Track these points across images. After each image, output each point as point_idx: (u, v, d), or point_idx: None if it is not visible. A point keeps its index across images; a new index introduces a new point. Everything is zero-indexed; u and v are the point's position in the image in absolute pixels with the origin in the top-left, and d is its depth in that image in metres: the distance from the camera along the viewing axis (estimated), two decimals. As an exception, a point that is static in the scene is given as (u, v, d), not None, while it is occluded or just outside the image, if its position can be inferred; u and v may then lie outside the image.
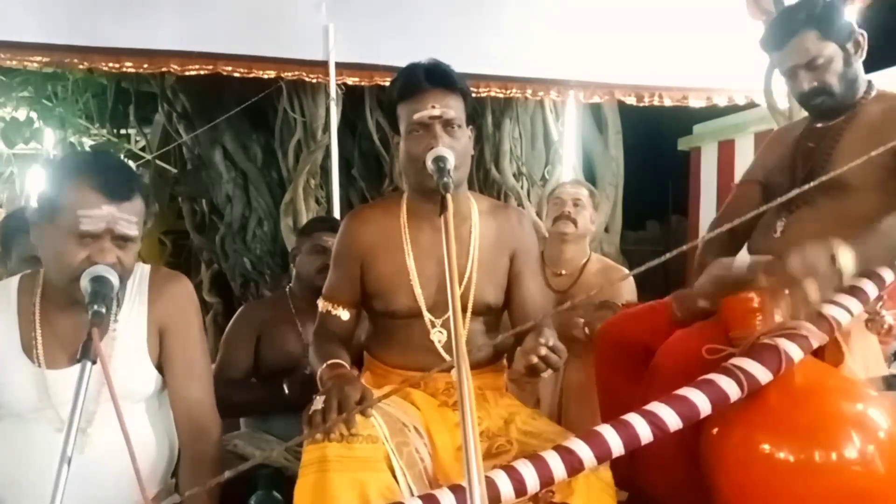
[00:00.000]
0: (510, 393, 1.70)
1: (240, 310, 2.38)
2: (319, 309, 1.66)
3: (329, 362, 1.48)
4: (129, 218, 1.34)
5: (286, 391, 2.06)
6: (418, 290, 1.57)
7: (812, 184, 1.48)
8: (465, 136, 1.57)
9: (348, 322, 1.64)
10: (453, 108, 1.53)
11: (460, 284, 1.56)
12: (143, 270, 1.50)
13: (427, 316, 1.57)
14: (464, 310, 1.58)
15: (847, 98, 1.73)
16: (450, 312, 1.16)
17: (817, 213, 1.67)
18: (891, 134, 1.56)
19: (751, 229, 1.80)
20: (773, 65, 1.79)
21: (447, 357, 1.54)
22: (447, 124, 1.52)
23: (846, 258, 1.38)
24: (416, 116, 1.51)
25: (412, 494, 1.29)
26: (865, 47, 1.73)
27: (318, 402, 1.33)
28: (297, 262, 2.36)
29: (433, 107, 1.51)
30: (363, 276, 1.62)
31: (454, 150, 1.49)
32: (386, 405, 1.43)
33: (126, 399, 1.35)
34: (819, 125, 1.78)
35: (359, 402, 1.33)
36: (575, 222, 2.54)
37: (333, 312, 1.63)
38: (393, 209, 1.64)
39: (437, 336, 1.57)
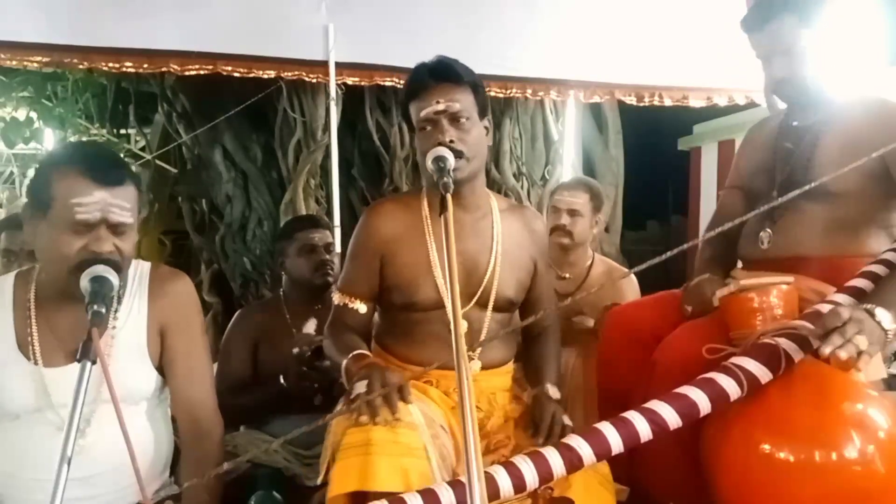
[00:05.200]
0: (518, 395, 1.70)
1: (235, 316, 2.37)
2: (335, 302, 1.66)
3: (354, 353, 1.50)
4: (122, 204, 1.33)
5: (283, 383, 2.06)
6: (440, 282, 1.57)
7: (793, 194, 1.46)
8: (476, 127, 1.58)
9: (365, 316, 1.64)
10: (459, 101, 1.55)
11: (482, 279, 1.61)
12: (143, 268, 1.49)
13: (448, 307, 1.57)
14: (485, 304, 1.62)
15: (821, 91, 1.70)
16: (450, 309, 1.16)
17: (802, 221, 1.66)
18: (874, 139, 1.55)
19: (740, 233, 1.81)
20: (751, 46, 1.75)
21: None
22: (453, 118, 1.54)
23: (882, 314, 1.34)
24: (423, 113, 1.55)
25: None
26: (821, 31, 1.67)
27: (361, 386, 1.35)
28: (286, 266, 2.34)
29: (438, 102, 1.54)
30: (383, 268, 1.62)
31: (464, 143, 1.53)
32: (415, 399, 1.44)
33: (125, 400, 1.34)
34: (796, 123, 1.76)
35: (399, 389, 1.35)
36: (571, 234, 2.51)
37: (351, 306, 1.63)
38: (413, 203, 1.66)
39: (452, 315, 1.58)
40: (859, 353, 1.27)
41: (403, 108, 1.65)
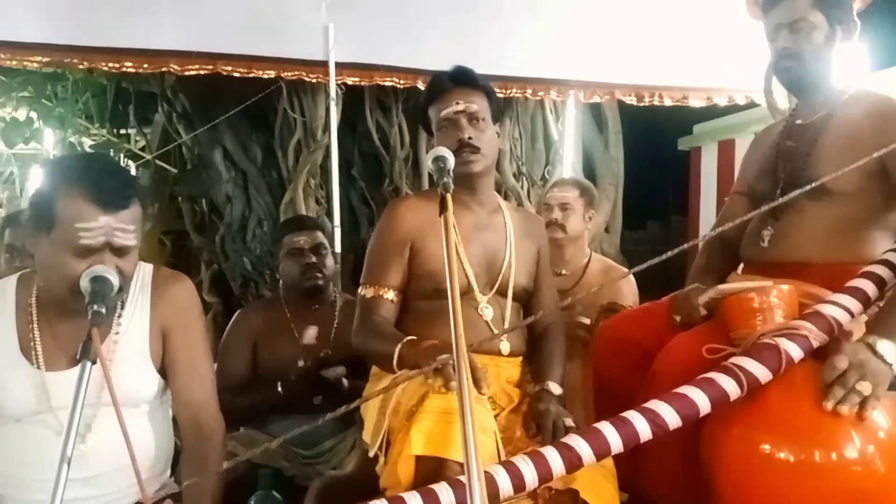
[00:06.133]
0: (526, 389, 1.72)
1: (235, 317, 2.38)
2: (365, 296, 1.69)
3: (408, 339, 1.54)
4: (126, 227, 1.32)
5: (280, 391, 2.07)
6: (468, 268, 1.67)
7: (794, 194, 1.48)
8: (490, 129, 1.73)
9: (395, 306, 1.69)
10: (476, 103, 1.69)
11: (500, 269, 1.72)
12: (145, 271, 1.48)
13: (477, 293, 1.68)
14: (504, 293, 1.72)
15: (821, 80, 1.71)
16: (449, 302, 1.17)
17: (802, 220, 1.66)
18: (873, 135, 1.55)
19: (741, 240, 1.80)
20: (764, 28, 1.77)
21: (496, 332, 1.66)
22: (472, 117, 1.68)
23: (885, 347, 1.33)
24: (444, 113, 1.69)
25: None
26: (855, 37, 1.70)
27: (446, 357, 1.38)
28: (280, 270, 2.36)
29: (457, 103, 1.68)
30: (411, 257, 1.69)
31: (480, 140, 1.66)
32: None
33: (127, 404, 1.34)
34: (800, 122, 1.76)
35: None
36: (563, 227, 2.56)
37: (385, 296, 1.68)
38: (433, 198, 1.72)
39: (484, 311, 1.68)
40: (865, 400, 1.28)
41: (423, 113, 1.78)
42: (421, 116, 1.81)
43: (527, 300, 1.80)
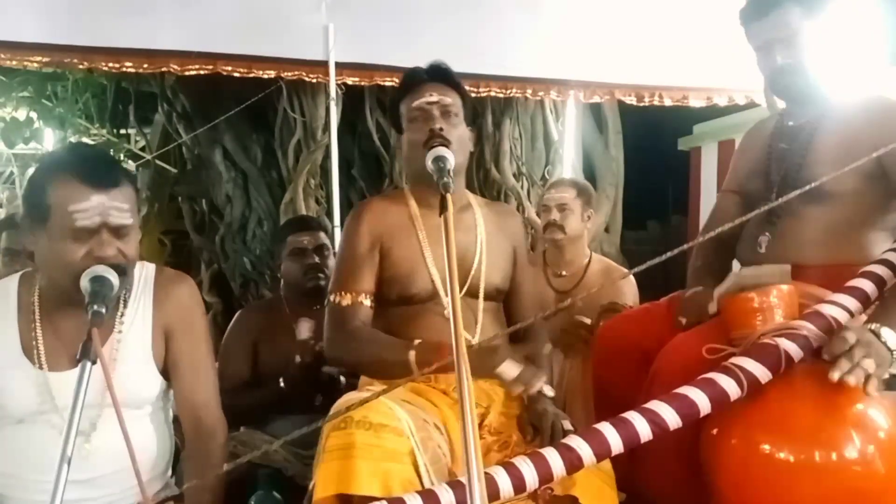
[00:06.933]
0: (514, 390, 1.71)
1: (236, 317, 2.38)
2: (341, 303, 1.61)
3: (418, 343, 1.49)
4: (120, 206, 1.31)
5: (282, 386, 2.07)
6: (434, 272, 1.61)
7: (791, 195, 1.46)
8: (463, 127, 1.66)
9: (371, 312, 1.63)
10: (450, 97, 1.64)
11: (470, 269, 1.65)
12: (147, 271, 1.49)
13: (443, 297, 1.59)
14: (475, 293, 1.65)
15: (818, 87, 1.68)
16: (447, 301, 1.16)
17: (800, 225, 1.65)
18: (870, 136, 1.54)
19: (737, 238, 1.79)
20: (748, 38, 1.73)
21: (465, 335, 1.57)
22: (444, 111, 1.62)
23: (888, 334, 1.34)
24: (416, 103, 1.63)
25: None
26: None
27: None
28: (282, 270, 2.36)
29: (431, 94, 1.63)
30: (380, 261, 1.64)
31: (451, 135, 1.57)
32: (408, 401, 1.45)
33: (130, 404, 1.35)
34: (791, 123, 1.74)
35: None
36: (562, 228, 2.57)
37: (364, 302, 1.61)
38: (399, 199, 1.71)
39: (450, 315, 1.59)
40: (867, 377, 1.28)
41: (394, 108, 1.72)
42: (392, 112, 1.74)
43: (502, 299, 1.74)
